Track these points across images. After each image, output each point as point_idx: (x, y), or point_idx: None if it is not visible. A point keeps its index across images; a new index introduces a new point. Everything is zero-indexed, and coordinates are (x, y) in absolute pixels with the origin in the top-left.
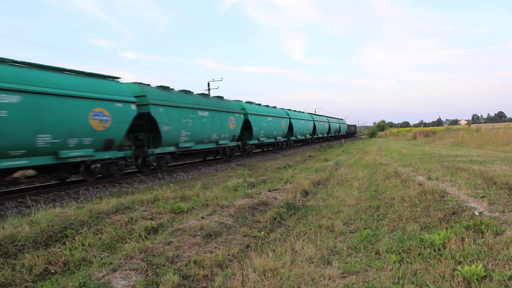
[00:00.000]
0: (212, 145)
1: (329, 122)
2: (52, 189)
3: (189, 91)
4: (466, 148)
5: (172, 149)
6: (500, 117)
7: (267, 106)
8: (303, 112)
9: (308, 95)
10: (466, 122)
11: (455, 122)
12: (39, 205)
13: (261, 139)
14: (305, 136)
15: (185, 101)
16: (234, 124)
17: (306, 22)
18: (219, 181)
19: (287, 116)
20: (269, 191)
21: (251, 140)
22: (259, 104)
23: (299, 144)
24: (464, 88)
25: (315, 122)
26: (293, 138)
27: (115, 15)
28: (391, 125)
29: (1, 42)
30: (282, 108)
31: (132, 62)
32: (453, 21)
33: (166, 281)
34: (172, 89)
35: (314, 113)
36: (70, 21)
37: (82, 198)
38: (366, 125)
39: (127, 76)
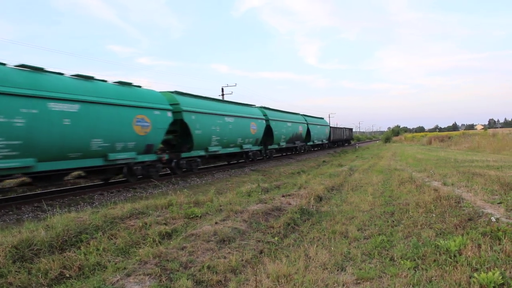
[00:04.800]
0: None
1: (286, 121)
2: (67, 194)
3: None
4: (482, 153)
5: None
6: None
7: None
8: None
9: (323, 100)
10: (482, 127)
11: (471, 127)
12: (54, 210)
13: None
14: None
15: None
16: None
17: (321, 27)
18: (233, 187)
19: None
20: (283, 196)
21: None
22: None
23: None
24: (480, 93)
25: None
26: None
27: (131, 21)
28: (405, 130)
29: (21, 48)
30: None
31: (147, 67)
32: (469, 25)
33: (180, 286)
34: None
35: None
36: (86, 28)
37: (97, 203)
38: (381, 130)
39: (142, 82)
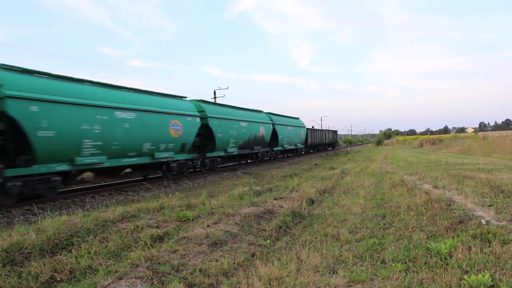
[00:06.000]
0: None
1: (238, 120)
2: (58, 196)
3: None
4: (473, 156)
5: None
6: (507, 124)
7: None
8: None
9: (317, 103)
10: (473, 130)
11: (462, 130)
12: (45, 213)
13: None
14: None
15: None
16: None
17: (313, 29)
18: (225, 189)
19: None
20: (275, 199)
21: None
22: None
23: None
24: (471, 95)
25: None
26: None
27: (123, 24)
28: (397, 133)
29: (14, 50)
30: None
31: (139, 70)
32: (461, 28)
33: None
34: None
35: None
36: (78, 30)
37: (88, 206)
38: (372, 133)
39: (135, 84)
